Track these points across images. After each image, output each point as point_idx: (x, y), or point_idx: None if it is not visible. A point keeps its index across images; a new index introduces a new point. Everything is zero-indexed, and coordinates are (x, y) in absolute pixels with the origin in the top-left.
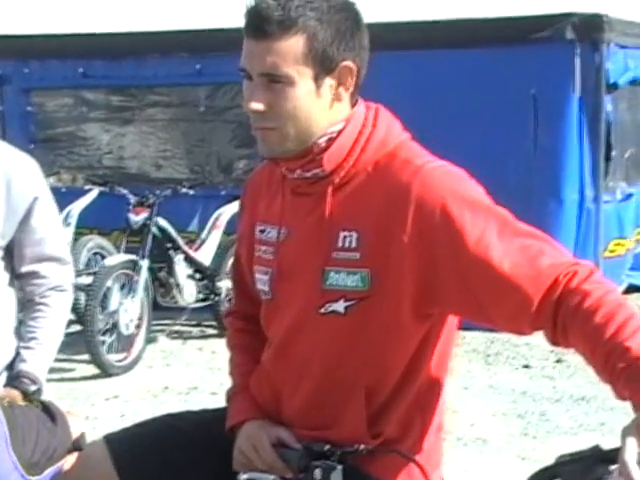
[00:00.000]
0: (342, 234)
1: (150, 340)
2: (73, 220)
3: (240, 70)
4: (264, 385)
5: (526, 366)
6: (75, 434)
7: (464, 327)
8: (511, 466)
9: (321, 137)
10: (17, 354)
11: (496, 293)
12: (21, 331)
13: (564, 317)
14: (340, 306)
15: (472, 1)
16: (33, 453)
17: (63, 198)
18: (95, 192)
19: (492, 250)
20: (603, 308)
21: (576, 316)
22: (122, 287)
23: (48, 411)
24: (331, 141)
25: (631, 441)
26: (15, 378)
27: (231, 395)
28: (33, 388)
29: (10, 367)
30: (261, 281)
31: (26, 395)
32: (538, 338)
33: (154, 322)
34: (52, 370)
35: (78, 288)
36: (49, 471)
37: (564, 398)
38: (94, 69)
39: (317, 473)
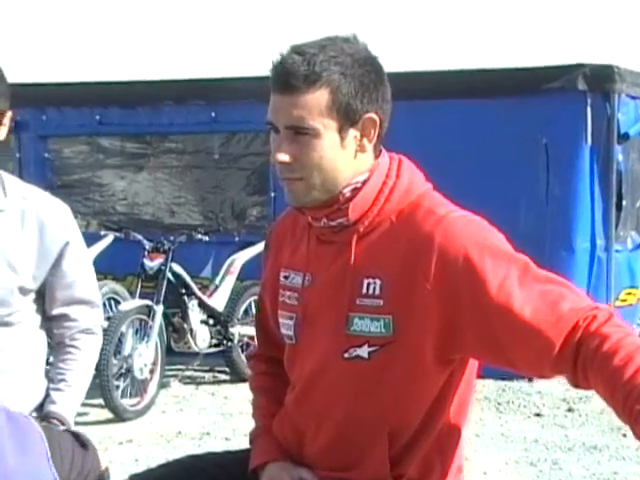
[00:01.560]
0: (366, 281)
1: (163, 385)
2: None
3: (267, 124)
4: (287, 427)
5: (538, 414)
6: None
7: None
8: None
9: (346, 187)
10: (47, 395)
11: (518, 338)
12: (50, 373)
13: (584, 360)
14: (364, 351)
15: (485, 52)
16: (70, 472)
17: None
18: (110, 238)
19: (513, 297)
20: (622, 350)
21: (595, 358)
22: (136, 332)
23: (79, 440)
24: (356, 191)
25: None
26: (44, 419)
27: (254, 437)
28: (62, 429)
29: (40, 408)
30: (285, 326)
31: None
32: (550, 386)
33: (167, 367)
34: None
35: None
36: None
37: (576, 447)
38: (110, 117)
39: None
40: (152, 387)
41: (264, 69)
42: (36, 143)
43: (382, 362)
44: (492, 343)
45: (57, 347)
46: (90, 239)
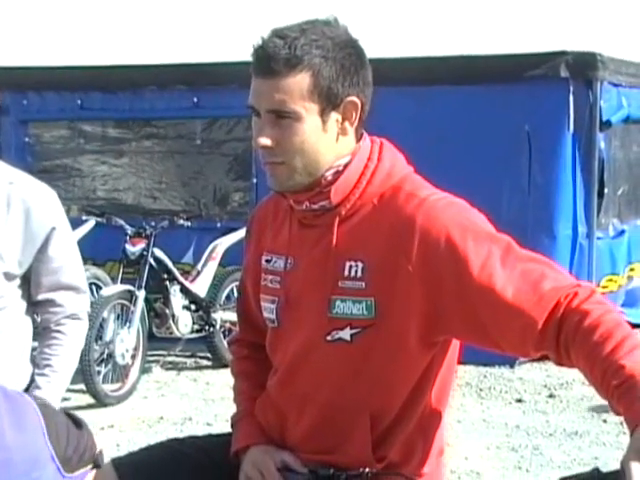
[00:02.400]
0: (348, 264)
1: (145, 370)
2: None
3: (248, 107)
4: (269, 411)
5: (519, 400)
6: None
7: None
8: None
9: (328, 170)
10: (32, 381)
11: (501, 318)
12: (36, 358)
13: (566, 336)
14: (346, 334)
15: (468, 38)
16: (66, 449)
17: None
18: (92, 223)
19: (496, 277)
20: (602, 327)
21: (577, 334)
22: (118, 317)
23: (72, 418)
24: (338, 174)
25: (636, 466)
26: None
27: (236, 420)
28: (56, 408)
29: (24, 393)
30: (268, 309)
31: None
32: (531, 372)
33: (149, 353)
34: None
35: None
36: (79, 473)
37: (557, 432)
38: (91, 101)
39: None
40: (134, 372)
41: (246, 54)
42: (16, 127)
43: (364, 344)
44: (476, 324)
45: (43, 332)
46: (72, 224)
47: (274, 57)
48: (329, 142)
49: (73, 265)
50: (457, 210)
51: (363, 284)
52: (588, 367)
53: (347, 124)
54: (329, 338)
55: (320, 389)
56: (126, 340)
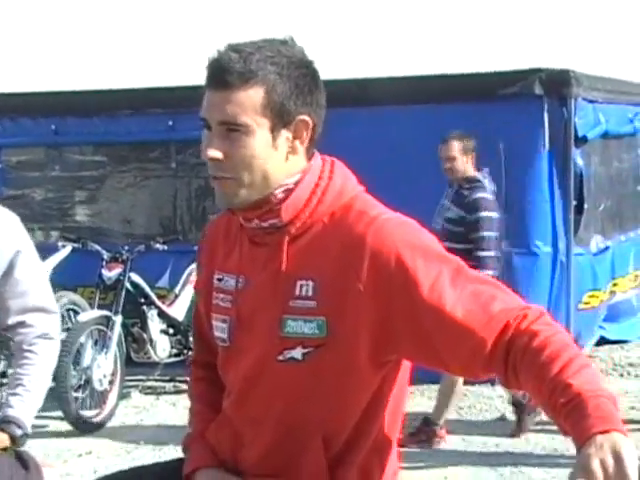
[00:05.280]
0: (299, 283)
1: (123, 396)
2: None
3: (200, 120)
4: (225, 432)
5: (501, 419)
6: None
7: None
8: None
9: (278, 188)
10: (5, 400)
11: (450, 339)
12: (9, 378)
13: (514, 357)
14: (298, 353)
15: (441, 57)
16: None
17: None
18: (68, 249)
19: (445, 297)
20: (550, 347)
21: (525, 355)
22: (95, 343)
23: (22, 460)
24: (288, 192)
25: None
26: (1, 422)
27: (187, 444)
28: (19, 433)
29: None
30: (219, 329)
31: (13, 440)
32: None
33: (127, 378)
34: None
35: None
36: None
37: (537, 450)
38: (66, 126)
39: None
40: (112, 398)
41: None
42: None
43: (316, 364)
44: (425, 344)
45: (16, 353)
46: (48, 250)
47: (228, 70)
48: (278, 160)
49: (40, 287)
50: (408, 230)
51: (314, 303)
52: (536, 387)
53: (297, 143)
54: (281, 358)
55: (272, 409)
56: (103, 366)
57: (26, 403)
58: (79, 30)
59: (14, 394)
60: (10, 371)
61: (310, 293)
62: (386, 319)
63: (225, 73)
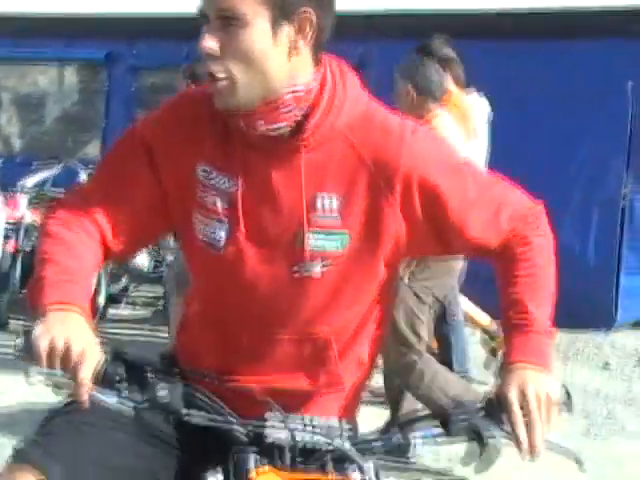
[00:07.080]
0: (321, 196)
1: None
2: None
3: (200, 15)
4: (211, 336)
5: (605, 366)
6: None
7: None
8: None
9: (286, 93)
10: None
11: (465, 247)
12: None
13: (503, 257)
14: (316, 267)
15: None
16: None
17: None
18: None
19: (467, 217)
20: (528, 262)
21: (508, 263)
22: None
23: None
24: (299, 97)
25: (515, 396)
26: None
27: (46, 284)
28: None
29: None
30: (207, 230)
31: None
32: (623, 339)
33: None
34: None
35: None
36: None
37: (637, 401)
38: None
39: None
40: None
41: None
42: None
43: (334, 278)
44: (443, 250)
45: None
46: None
47: None
48: (279, 57)
49: None
50: (433, 145)
51: (338, 217)
52: (503, 290)
53: (301, 41)
54: (297, 273)
55: (287, 321)
56: None
57: None
58: None
59: None
60: None
61: (334, 207)
62: (410, 232)
63: None
